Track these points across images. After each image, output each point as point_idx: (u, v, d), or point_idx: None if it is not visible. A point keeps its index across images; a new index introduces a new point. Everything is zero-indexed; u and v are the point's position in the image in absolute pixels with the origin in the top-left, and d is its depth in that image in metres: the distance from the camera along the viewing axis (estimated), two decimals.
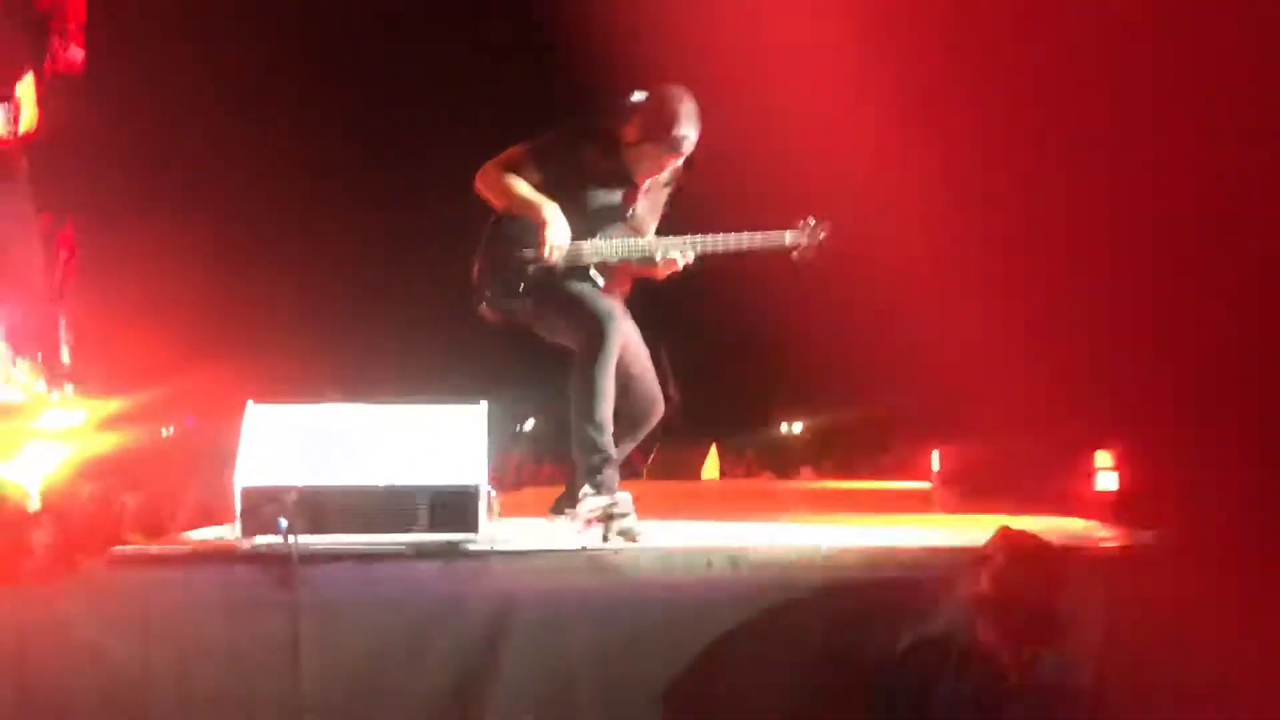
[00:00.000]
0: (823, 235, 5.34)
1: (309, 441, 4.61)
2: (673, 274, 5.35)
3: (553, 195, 5.33)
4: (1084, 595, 4.00)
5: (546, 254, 5.28)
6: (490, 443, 4.65)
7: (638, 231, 5.48)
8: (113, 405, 6.35)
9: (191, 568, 4.47)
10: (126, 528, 5.22)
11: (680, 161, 5.36)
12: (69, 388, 6.69)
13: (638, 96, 5.43)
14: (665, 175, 5.54)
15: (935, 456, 8.42)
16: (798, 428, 14.37)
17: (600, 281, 5.41)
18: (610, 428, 5.14)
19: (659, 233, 5.59)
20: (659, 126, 5.25)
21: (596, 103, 5.62)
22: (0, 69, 6.31)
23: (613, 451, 5.13)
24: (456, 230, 5.97)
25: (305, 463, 4.56)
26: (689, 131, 5.23)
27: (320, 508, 4.49)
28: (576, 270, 5.36)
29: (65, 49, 7.14)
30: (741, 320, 8.61)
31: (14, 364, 6.35)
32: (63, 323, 6.97)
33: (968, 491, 7.30)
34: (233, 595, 4.26)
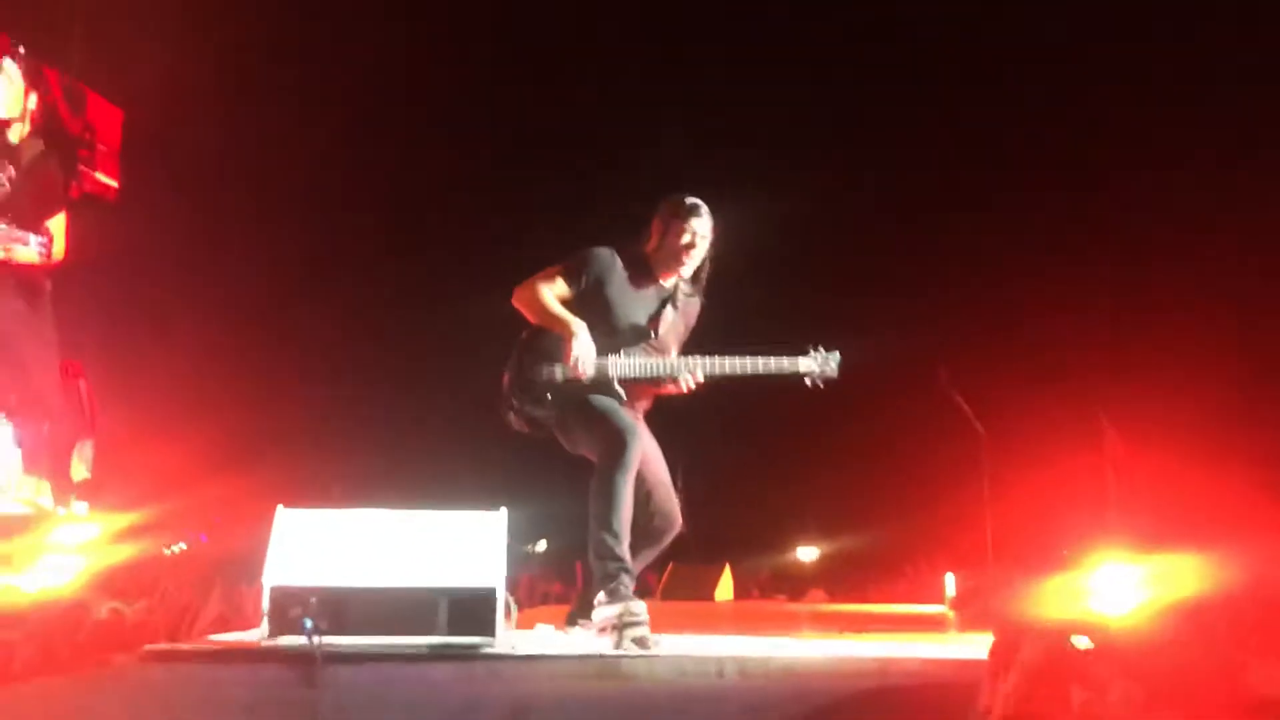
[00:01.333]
0: (834, 364, 5.55)
1: (335, 545, 4.70)
2: (688, 391, 5.54)
3: (582, 314, 5.59)
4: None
5: (574, 367, 5.44)
6: (510, 550, 4.74)
7: (661, 351, 5.66)
8: (127, 519, 6.33)
9: (219, 665, 4.50)
10: (145, 637, 5.17)
11: (694, 254, 5.69)
12: (81, 505, 6.68)
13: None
14: (686, 295, 5.76)
15: (949, 580, 8.43)
16: (813, 553, 14.32)
17: (623, 396, 5.59)
18: (627, 538, 5.22)
19: (681, 354, 5.82)
20: (671, 209, 5.69)
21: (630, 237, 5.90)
22: (36, 202, 6.34)
23: (629, 561, 5.20)
24: (480, 338, 6.11)
25: (330, 565, 4.65)
26: (697, 201, 5.69)
27: (343, 608, 4.60)
28: (601, 385, 5.52)
29: (92, 176, 7.27)
30: (758, 443, 8.84)
31: (23, 480, 6.40)
32: (89, 445, 6.99)
33: (981, 614, 7.26)
34: (258, 694, 4.27)
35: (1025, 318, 8.23)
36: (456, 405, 8.12)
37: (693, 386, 5.50)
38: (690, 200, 5.62)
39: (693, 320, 5.81)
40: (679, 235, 5.59)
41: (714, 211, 5.69)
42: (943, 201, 8.60)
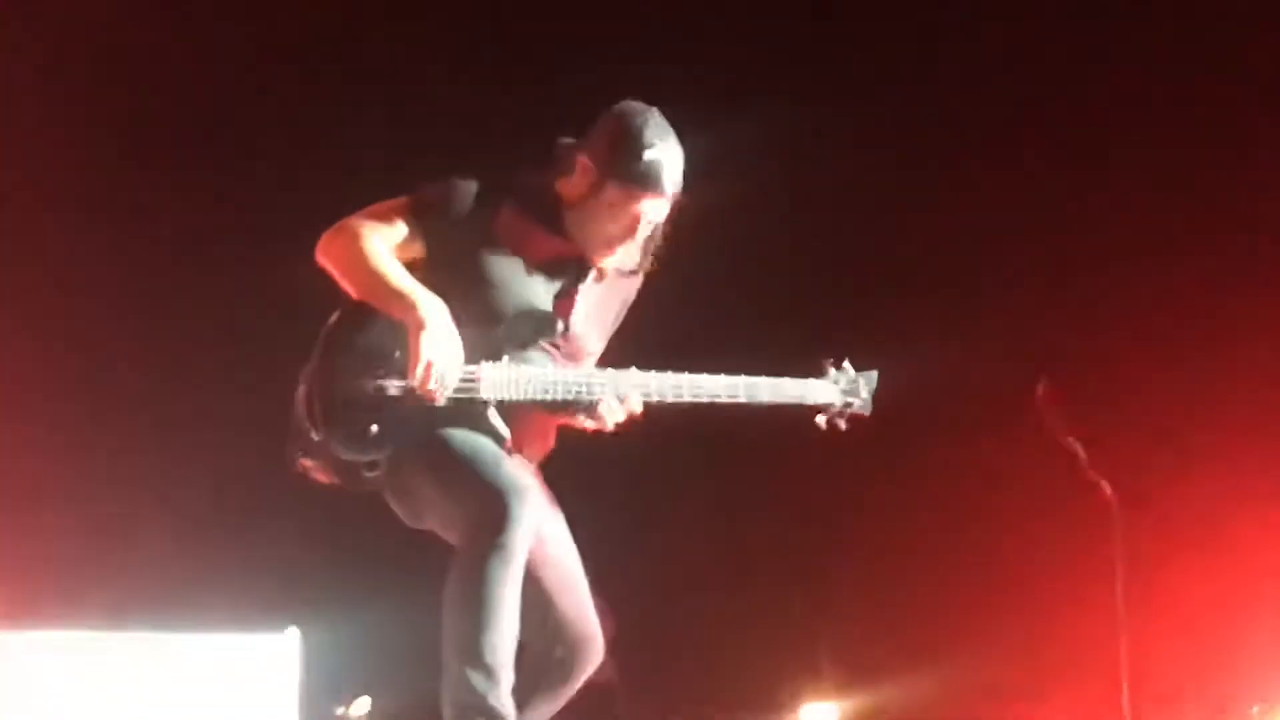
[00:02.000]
0: (866, 392, 3.84)
1: (60, 682, 4.16)
2: (616, 427, 3.64)
3: (441, 287, 3.56)
4: None
5: (421, 381, 3.46)
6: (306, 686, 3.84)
7: (571, 357, 3.72)
8: None
9: None
10: None
11: (656, 215, 3.65)
12: None
13: (571, 141, 3.69)
14: (629, 257, 3.71)
15: None
16: (829, 716, 7.20)
17: (505, 433, 3.58)
18: (507, 675, 3.37)
19: (605, 361, 3.78)
20: (618, 154, 3.58)
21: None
22: None
23: (507, 713, 3.36)
24: (262, 326, 4.30)
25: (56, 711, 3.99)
26: (662, 156, 3.57)
27: None
28: (468, 411, 3.56)
29: None
30: (739, 524, 6.08)
31: None
32: None
33: None
34: None
35: (1190, 320, 5.66)
36: (216, 455, 5.39)
37: (621, 419, 3.62)
38: (651, 155, 3.58)
39: (626, 305, 3.88)
40: (617, 211, 3.64)
41: (691, 152, 3.62)
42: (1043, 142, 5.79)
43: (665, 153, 3.59)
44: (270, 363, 3.71)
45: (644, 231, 3.65)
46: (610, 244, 3.66)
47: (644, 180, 3.57)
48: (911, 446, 5.29)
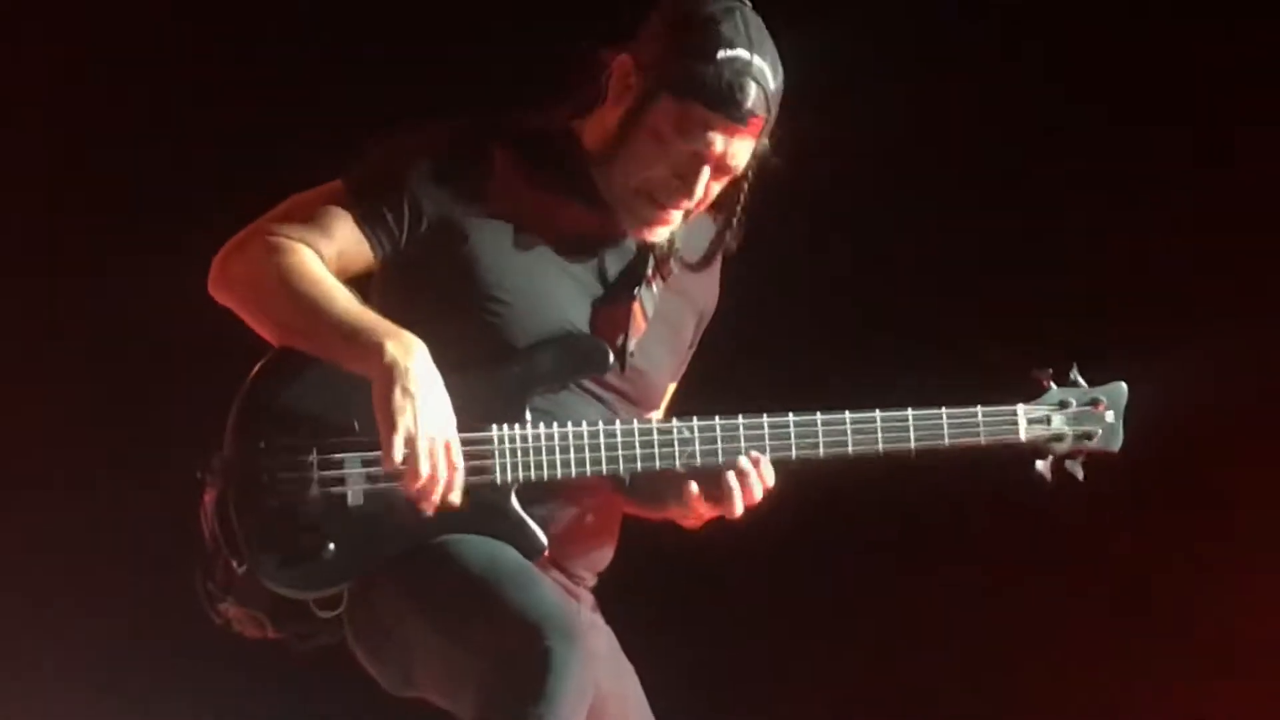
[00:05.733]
0: (1112, 416, 2.64)
1: None
2: (722, 515, 2.47)
3: (411, 312, 2.42)
4: None
5: (398, 467, 2.33)
6: None
7: (637, 402, 2.55)
8: None
9: None
10: None
11: (732, 158, 2.44)
12: None
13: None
14: (684, 249, 2.56)
15: None
16: None
17: (539, 536, 2.41)
18: None
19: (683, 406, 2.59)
20: (678, 49, 2.41)
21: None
22: None
23: None
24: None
25: None
26: (748, 57, 2.40)
27: None
28: (475, 505, 2.40)
29: None
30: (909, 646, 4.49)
31: None
32: None
33: None
34: None
35: None
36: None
37: (738, 503, 2.42)
38: (730, 54, 2.41)
39: (704, 320, 2.73)
40: (670, 142, 2.42)
41: (790, 63, 2.47)
42: None
43: (753, 56, 2.38)
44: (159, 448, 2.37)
45: (705, 183, 2.42)
46: (656, 199, 2.44)
47: (716, 95, 2.35)
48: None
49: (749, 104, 2.36)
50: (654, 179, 2.40)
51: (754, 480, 2.39)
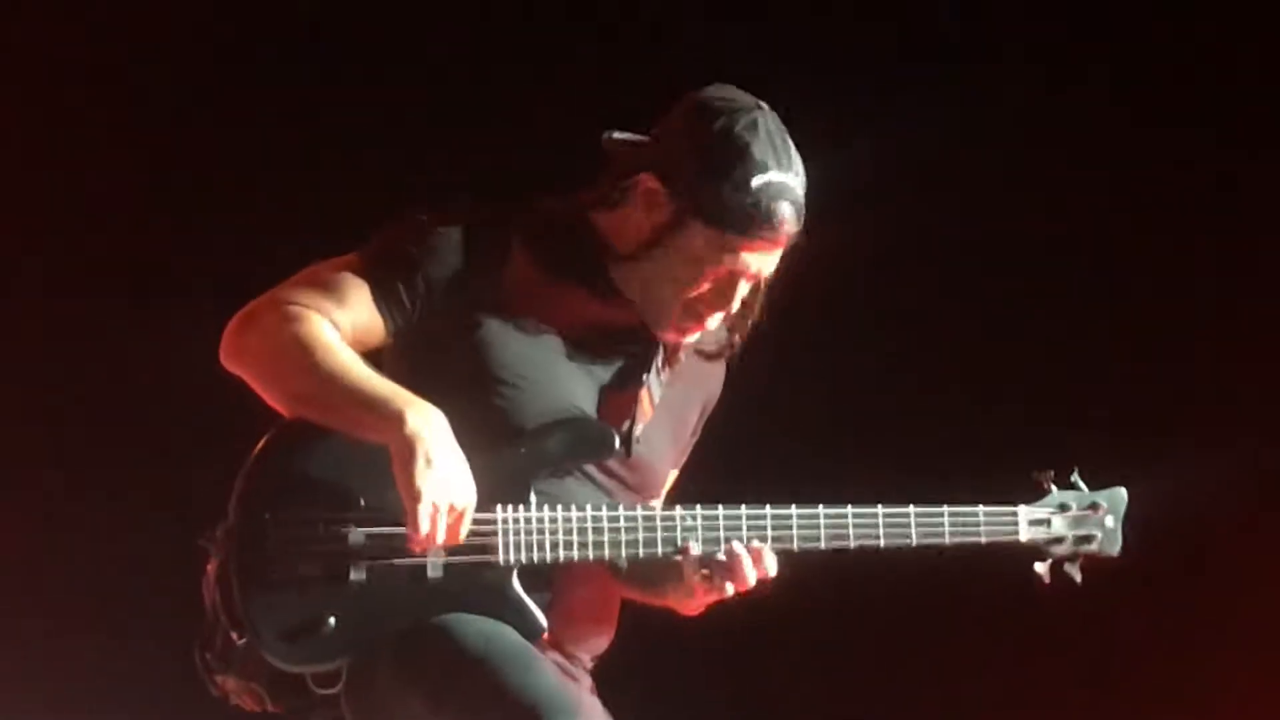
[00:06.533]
0: (1113, 520, 2.64)
1: None
2: (721, 599, 2.48)
3: (421, 390, 2.39)
4: None
5: (426, 536, 2.32)
6: None
7: (638, 489, 2.56)
8: None
9: None
10: None
11: (763, 270, 2.49)
12: None
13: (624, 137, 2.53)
14: (714, 333, 2.59)
15: None
16: None
17: (539, 619, 2.40)
18: None
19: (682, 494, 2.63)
20: (712, 179, 2.40)
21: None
22: None
23: None
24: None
25: None
26: (780, 180, 2.40)
27: None
28: (477, 584, 2.41)
29: None
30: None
31: None
32: None
33: None
34: None
35: None
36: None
37: (749, 579, 2.42)
38: (764, 181, 2.42)
39: (708, 407, 2.73)
40: (703, 265, 2.47)
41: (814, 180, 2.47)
42: None
43: (785, 175, 2.41)
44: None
45: (741, 294, 2.45)
46: (691, 315, 2.45)
47: (752, 222, 2.37)
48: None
49: (786, 226, 2.38)
50: (687, 293, 2.42)
51: (745, 564, 2.37)
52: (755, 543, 2.40)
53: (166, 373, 3.31)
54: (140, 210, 3.76)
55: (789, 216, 2.39)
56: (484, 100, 3.69)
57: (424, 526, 2.22)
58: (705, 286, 2.42)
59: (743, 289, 2.45)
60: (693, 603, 2.44)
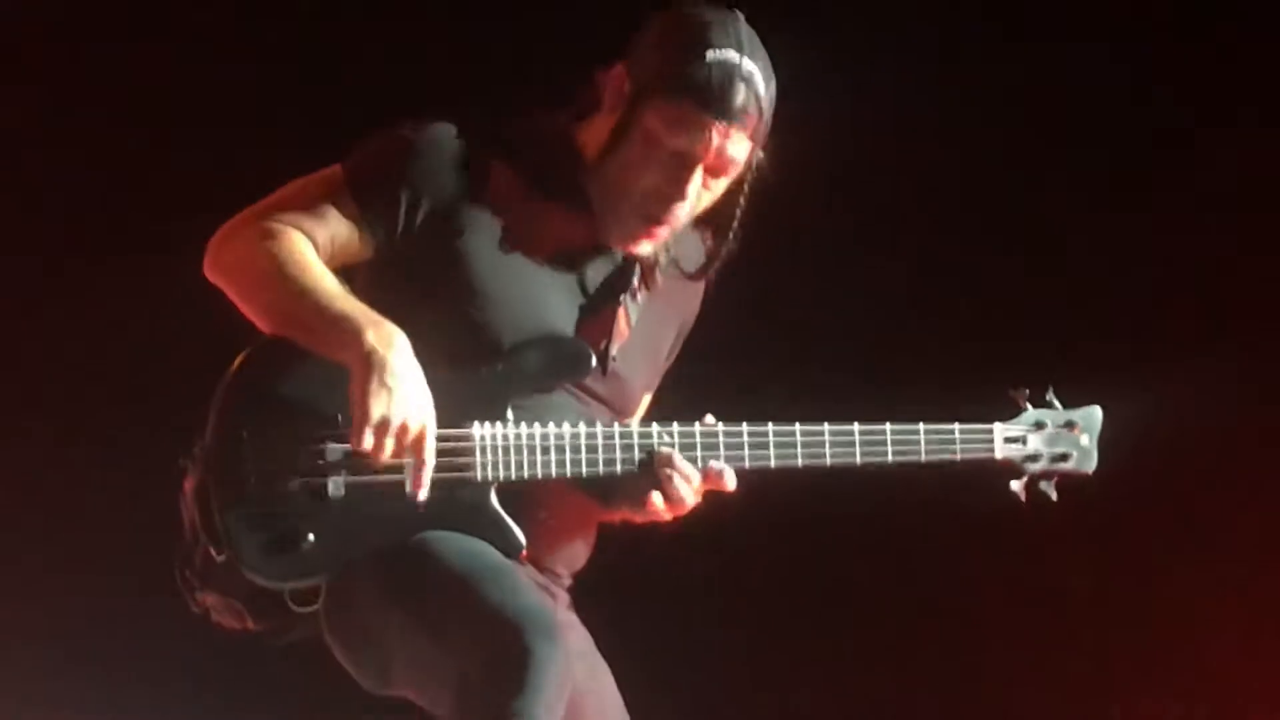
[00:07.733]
0: (1088, 439, 2.67)
1: None
2: (683, 512, 2.51)
3: (399, 306, 2.41)
4: None
5: (371, 453, 2.33)
6: None
7: (614, 406, 2.58)
8: None
9: None
10: None
11: (723, 160, 2.44)
12: None
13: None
14: (671, 261, 2.59)
15: None
16: None
17: (517, 535, 2.41)
18: None
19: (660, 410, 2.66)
20: (667, 52, 2.43)
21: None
22: None
23: None
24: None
25: None
26: (735, 60, 2.39)
27: None
28: (455, 501, 2.42)
29: None
30: (870, 656, 4.52)
31: None
32: None
33: None
34: None
35: None
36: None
37: (698, 499, 2.48)
38: (718, 56, 2.41)
39: (685, 330, 2.76)
40: (660, 147, 2.43)
41: (780, 66, 2.48)
42: None
43: (743, 58, 2.39)
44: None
45: (697, 188, 2.43)
46: (648, 208, 2.43)
47: (704, 93, 2.36)
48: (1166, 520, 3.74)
49: (739, 101, 2.36)
50: (646, 188, 2.40)
51: (696, 487, 2.41)
52: (713, 464, 2.41)
53: (153, 290, 3.31)
54: (131, 123, 3.79)
55: (745, 95, 2.37)
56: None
57: (366, 442, 2.23)
58: (658, 172, 2.39)
59: (697, 182, 2.41)
60: (653, 510, 2.45)
